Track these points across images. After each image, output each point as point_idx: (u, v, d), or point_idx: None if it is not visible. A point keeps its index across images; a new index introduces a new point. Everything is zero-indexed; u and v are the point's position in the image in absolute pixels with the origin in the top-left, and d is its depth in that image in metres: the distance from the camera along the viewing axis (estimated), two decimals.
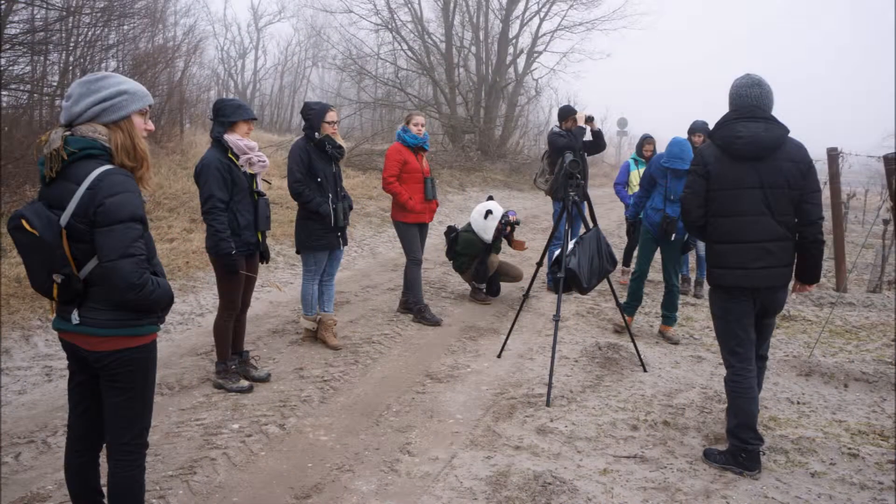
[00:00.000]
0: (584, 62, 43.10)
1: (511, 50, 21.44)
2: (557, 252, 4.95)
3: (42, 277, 2.22)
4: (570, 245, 4.77)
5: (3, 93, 8.25)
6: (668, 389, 4.52)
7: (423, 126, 5.94)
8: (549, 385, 4.24)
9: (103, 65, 10.71)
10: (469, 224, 6.74)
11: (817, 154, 4.52)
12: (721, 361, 3.97)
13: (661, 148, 5.95)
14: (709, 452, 3.54)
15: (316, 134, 4.89)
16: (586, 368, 4.89)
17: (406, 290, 6.15)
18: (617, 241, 9.90)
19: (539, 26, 21.55)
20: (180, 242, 7.55)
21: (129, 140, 2.28)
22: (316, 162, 4.90)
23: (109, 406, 2.34)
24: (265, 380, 4.46)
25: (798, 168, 3.30)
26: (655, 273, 6.98)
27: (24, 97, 8.87)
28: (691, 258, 7.58)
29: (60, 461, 2.76)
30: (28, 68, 8.82)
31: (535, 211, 14.50)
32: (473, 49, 21.29)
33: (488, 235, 6.57)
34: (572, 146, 6.49)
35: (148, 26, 12.19)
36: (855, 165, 10.76)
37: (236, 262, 4.14)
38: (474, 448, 3.60)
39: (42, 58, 8.99)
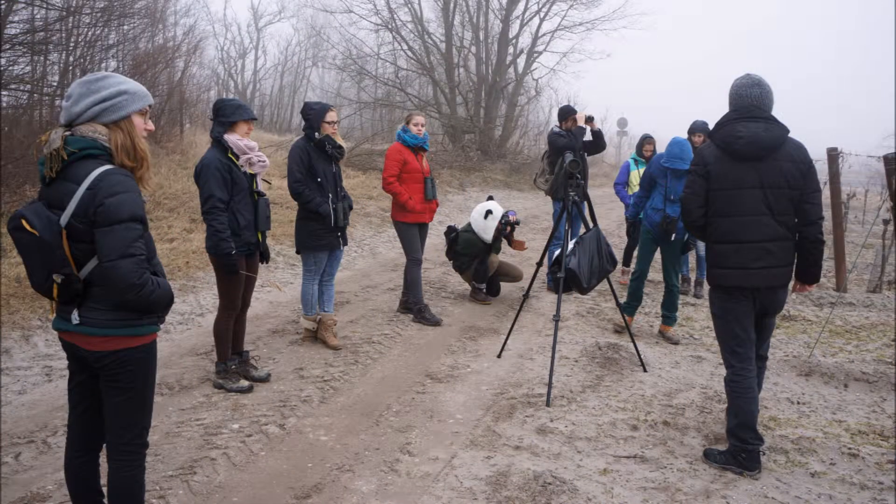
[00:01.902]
0: (584, 62, 43.13)
1: (511, 50, 21.41)
2: (557, 252, 4.95)
3: (42, 277, 2.22)
4: (570, 245, 4.77)
5: (3, 93, 8.25)
6: (668, 389, 4.52)
7: (423, 126, 5.95)
8: (549, 385, 4.24)
9: (103, 65, 10.72)
10: (469, 224, 6.74)
11: (817, 154, 4.52)
12: (721, 361, 3.97)
13: (661, 148, 5.95)
14: (709, 452, 3.54)
15: (316, 134, 4.89)
16: (586, 368, 4.89)
17: (406, 290, 6.15)
18: (617, 241, 9.90)
19: (539, 26, 21.55)
20: (180, 242, 7.55)
21: (129, 140, 2.28)
22: (316, 162, 4.90)
23: (109, 406, 2.35)
24: (265, 380, 4.46)
25: (798, 168, 3.30)
26: (655, 273, 6.98)
27: (24, 97, 8.87)
28: (691, 258, 7.59)
29: (60, 461, 2.76)
30: (28, 68, 8.83)
31: (535, 211, 14.50)
32: (473, 49, 21.26)
33: (488, 235, 6.57)
34: (572, 146, 6.49)
35: (148, 26, 12.20)
36: (855, 165, 10.76)
37: (236, 262, 4.14)
38: (474, 448, 3.60)
39: (42, 58, 8.99)
